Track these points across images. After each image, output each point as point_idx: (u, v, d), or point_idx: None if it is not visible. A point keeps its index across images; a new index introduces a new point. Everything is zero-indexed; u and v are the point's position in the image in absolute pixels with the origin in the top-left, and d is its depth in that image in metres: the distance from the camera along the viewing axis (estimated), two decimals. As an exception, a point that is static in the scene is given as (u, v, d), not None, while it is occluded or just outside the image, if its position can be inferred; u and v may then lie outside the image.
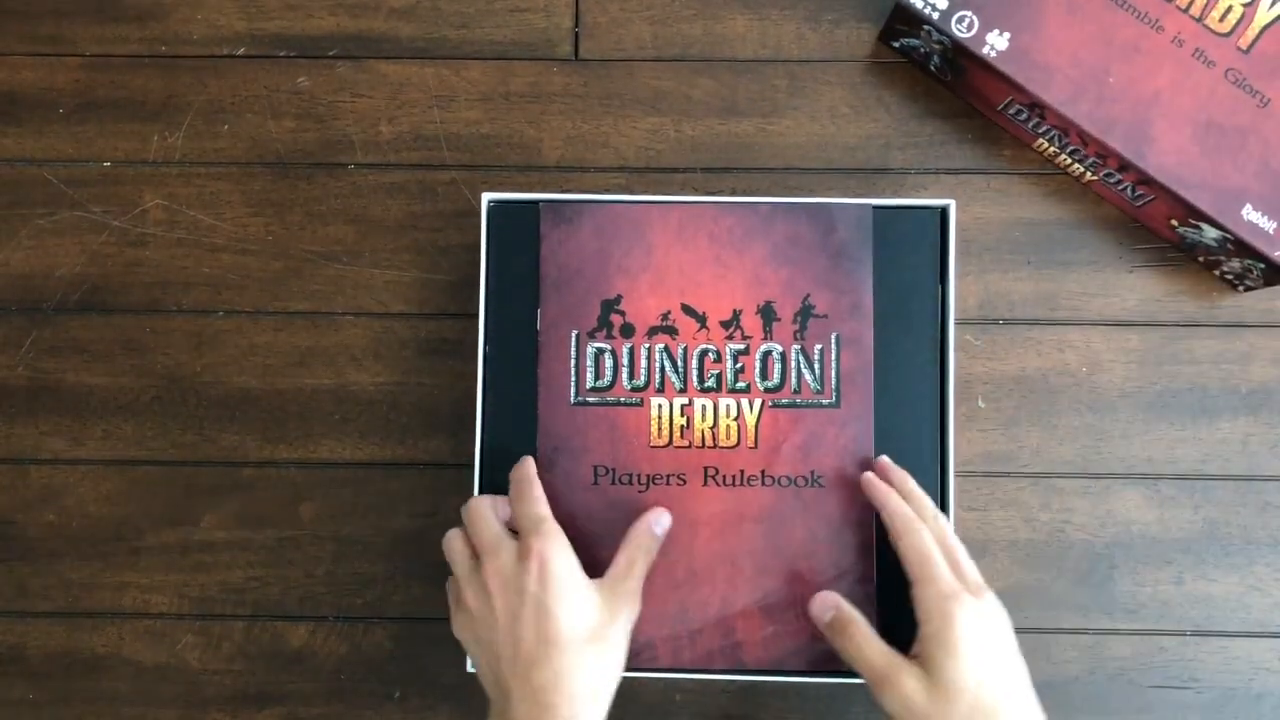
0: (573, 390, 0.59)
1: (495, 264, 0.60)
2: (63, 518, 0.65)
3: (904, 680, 0.50)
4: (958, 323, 0.65)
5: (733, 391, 0.59)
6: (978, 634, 0.50)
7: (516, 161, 0.66)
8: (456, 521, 0.64)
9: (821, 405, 0.59)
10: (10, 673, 0.64)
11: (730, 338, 0.59)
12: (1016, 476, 0.65)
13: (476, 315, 0.60)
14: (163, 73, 0.67)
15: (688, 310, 0.60)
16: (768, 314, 0.59)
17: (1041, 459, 0.65)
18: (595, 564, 0.56)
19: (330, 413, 0.65)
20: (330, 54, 0.67)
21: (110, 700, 0.64)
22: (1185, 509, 0.64)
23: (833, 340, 0.59)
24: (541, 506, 0.55)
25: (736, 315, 0.59)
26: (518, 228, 0.60)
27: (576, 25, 0.67)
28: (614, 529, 0.57)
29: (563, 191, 0.66)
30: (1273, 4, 0.61)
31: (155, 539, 0.65)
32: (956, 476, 0.64)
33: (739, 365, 0.59)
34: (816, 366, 0.59)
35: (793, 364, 0.59)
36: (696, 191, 0.66)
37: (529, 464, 0.57)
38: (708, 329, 0.60)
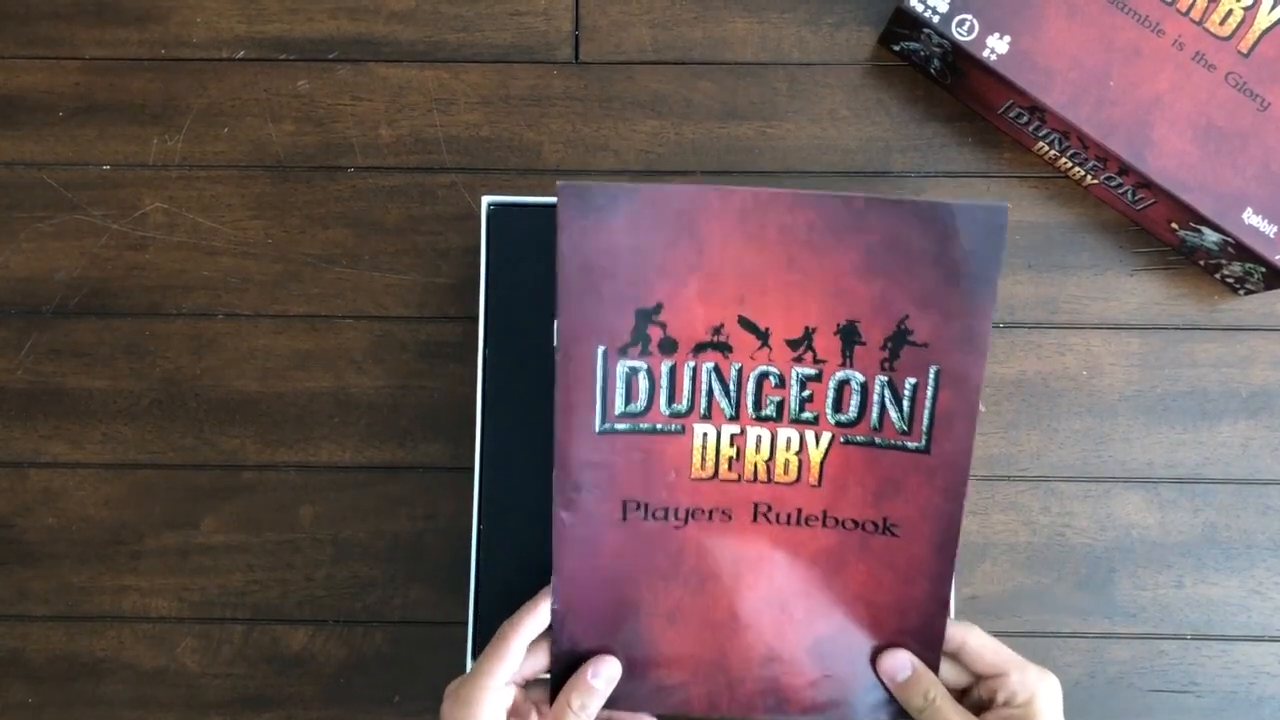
0: (599, 416, 0.50)
1: (495, 267, 0.60)
2: (62, 521, 0.65)
3: None
4: (958, 326, 0.65)
5: (796, 422, 0.50)
6: (1057, 706, 0.50)
7: (516, 164, 0.66)
8: (456, 525, 0.64)
9: (906, 448, 0.50)
10: (10, 676, 0.64)
11: (799, 360, 0.50)
12: (1017, 480, 0.65)
13: (476, 319, 0.60)
14: (162, 76, 0.67)
15: (746, 324, 0.49)
16: (849, 335, 0.49)
17: (1042, 462, 0.65)
18: (625, 606, 0.52)
19: (330, 416, 0.65)
20: (330, 57, 0.67)
21: (110, 704, 0.64)
22: (1185, 512, 0.64)
23: (931, 375, 0.49)
24: (476, 670, 0.50)
25: (809, 334, 0.49)
26: (518, 230, 0.60)
27: (576, 28, 0.67)
28: (647, 567, 0.51)
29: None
30: (1273, 8, 0.61)
31: (155, 542, 0.64)
32: (957, 480, 0.64)
33: (807, 393, 0.50)
34: (906, 403, 0.50)
35: (875, 397, 0.50)
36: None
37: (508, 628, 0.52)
38: (769, 347, 0.49)
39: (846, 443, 0.50)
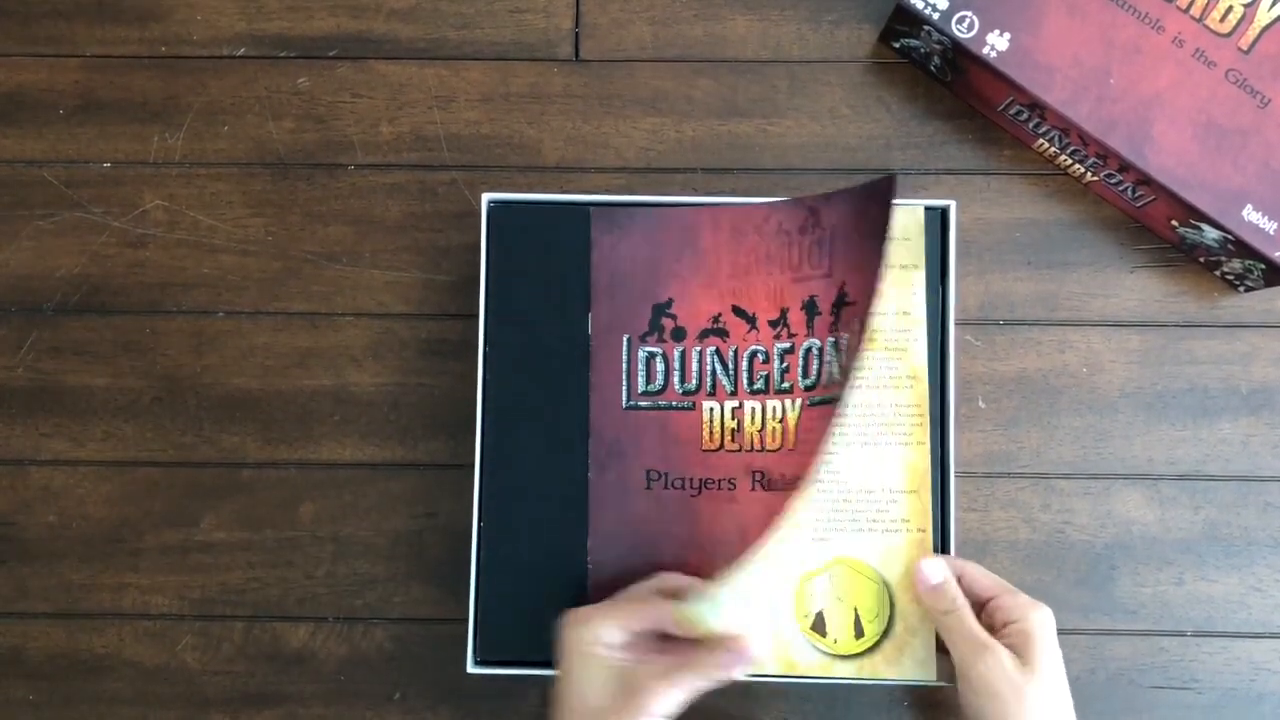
0: (624, 395, 0.59)
1: (495, 264, 0.60)
2: (63, 519, 0.65)
3: (1001, 653, 0.53)
4: (958, 323, 0.65)
5: (778, 393, 0.58)
6: (1053, 632, 0.55)
7: (516, 162, 0.66)
8: (457, 522, 0.64)
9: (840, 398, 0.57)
10: (11, 674, 0.64)
11: (778, 336, 0.59)
12: (1017, 477, 0.65)
13: (477, 316, 0.60)
14: (163, 73, 0.67)
15: (738, 312, 0.59)
16: (810, 308, 0.58)
17: (1042, 459, 0.65)
18: (650, 566, 0.57)
19: (330, 413, 0.65)
20: (330, 55, 0.67)
21: (110, 701, 0.64)
22: (1186, 509, 0.64)
23: (857, 325, 0.56)
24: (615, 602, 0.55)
25: (784, 313, 0.58)
26: (518, 228, 0.60)
27: (577, 26, 0.67)
28: (666, 533, 0.58)
29: (563, 192, 0.66)
30: (1273, 4, 0.61)
31: (155, 540, 0.64)
32: (957, 477, 0.63)
33: (784, 365, 0.58)
34: (843, 356, 0.57)
35: (827, 358, 0.57)
36: (696, 192, 0.66)
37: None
38: (757, 329, 0.59)
39: (811, 405, 0.57)
